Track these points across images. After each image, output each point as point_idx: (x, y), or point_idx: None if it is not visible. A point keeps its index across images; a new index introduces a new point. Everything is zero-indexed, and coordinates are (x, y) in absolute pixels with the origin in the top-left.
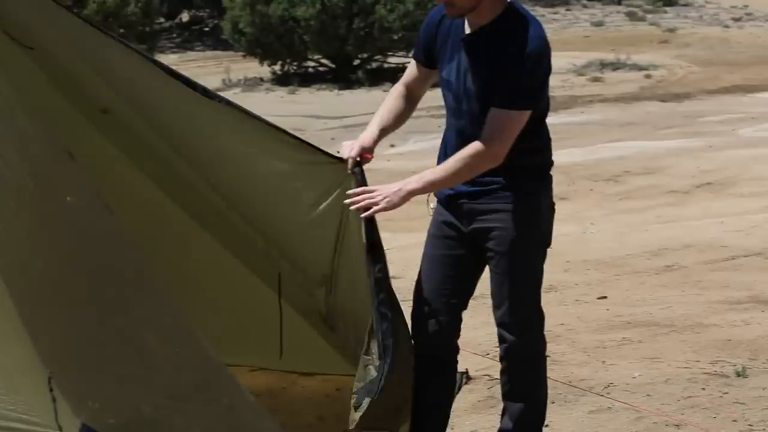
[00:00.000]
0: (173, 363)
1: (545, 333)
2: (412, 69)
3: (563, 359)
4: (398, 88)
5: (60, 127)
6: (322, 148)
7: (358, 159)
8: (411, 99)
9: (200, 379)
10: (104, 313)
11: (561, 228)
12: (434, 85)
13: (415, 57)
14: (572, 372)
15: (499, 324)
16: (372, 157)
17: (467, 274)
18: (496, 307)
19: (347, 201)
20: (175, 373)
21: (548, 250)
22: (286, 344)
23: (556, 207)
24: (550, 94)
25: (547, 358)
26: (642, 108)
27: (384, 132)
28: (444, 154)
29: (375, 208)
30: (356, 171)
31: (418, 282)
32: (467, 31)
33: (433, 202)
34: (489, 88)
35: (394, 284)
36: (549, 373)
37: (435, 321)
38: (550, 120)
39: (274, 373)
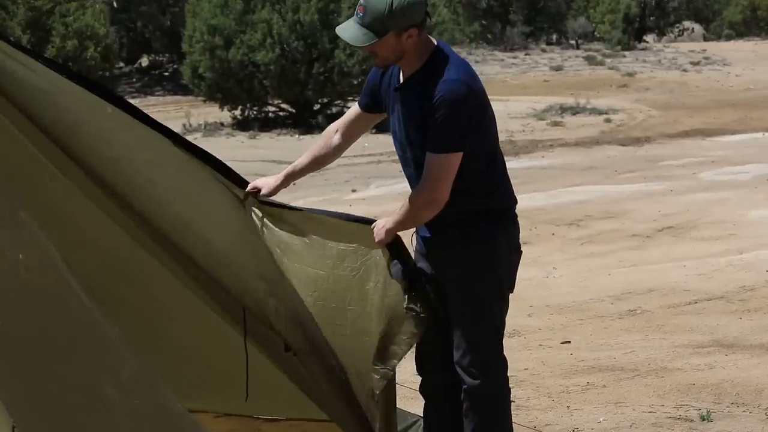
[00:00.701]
0: (134, 415)
1: (510, 376)
2: (353, 111)
3: (528, 404)
4: (330, 130)
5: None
6: (283, 193)
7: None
8: (344, 141)
9: (163, 430)
10: (61, 367)
11: (524, 272)
12: (385, 130)
13: (359, 103)
14: (537, 417)
15: (458, 365)
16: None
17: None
18: (455, 348)
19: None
20: (136, 425)
21: (512, 294)
22: (252, 386)
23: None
24: (511, 138)
25: (513, 403)
26: (602, 152)
27: (298, 174)
28: None
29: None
30: (247, 202)
31: None
32: (401, 80)
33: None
34: (423, 134)
35: None
36: (514, 418)
37: (431, 348)
38: (511, 164)
39: (239, 420)
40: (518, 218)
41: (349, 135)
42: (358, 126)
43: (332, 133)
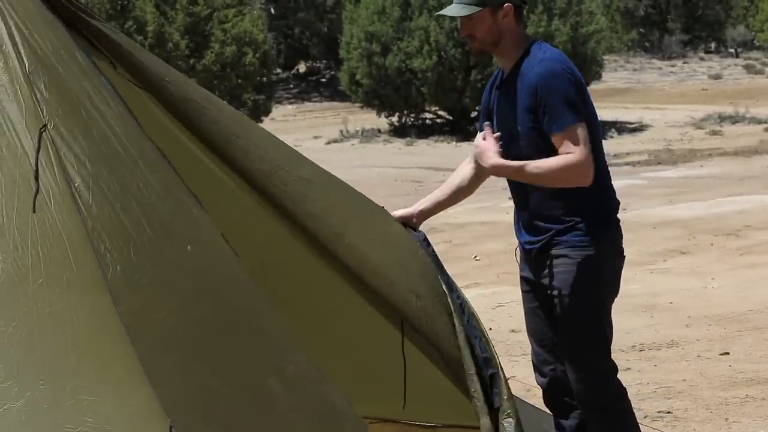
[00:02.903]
0: (298, 408)
1: (667, 387)
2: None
3: (686, 416)
4: (464, 166)
5: (182, 171)
6: None
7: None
8: (478, 173)
9: (327, 426)
10: (225, 361)
11: (682, 283)
12: None
13: (478, 128)
14: (695, 429)
15: (568, 373)
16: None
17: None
18: (564, 356)
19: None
20: (299, 419)
21: (670, 304)
22: (409, 393)
23: (672, 259)
24: (669, 147)
25: (670, 414)
26: (762, 161)
27: (434, 210)
28: (516, 222)
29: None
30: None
31: (528, 336)
32: (503, 81)
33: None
34: (527, 123)
35: (515, 337)
36: (671, 430)
37: (550, 370)
38: (669, 173)
39: (396, 426)
40: (676, 227)
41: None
42: None
43: (465, 164)
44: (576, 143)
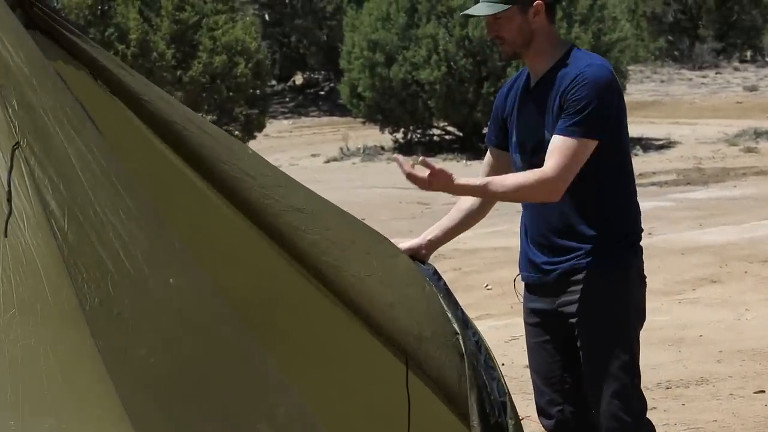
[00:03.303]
0: None
1: (697, 429)
2: (487, 159)
3: None
4: None
5: (167, 194)
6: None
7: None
8: None
9: None
10: (212, 403)
11: (713, 314)
12: None
13: (488, 141)
14: None
15: (593, 406)
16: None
17: (570, 354)
18: (588, 387)
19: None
20: None
21: (701, 338)
22: (414, 428)
23: (702, 288)
24: (699, 165)
25: None
26: None
27: (444, 238)
28: (525, 233)
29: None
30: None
31: (531, 374)
32: (532, 84)
33: (520, 291)
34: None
35: (529, 374)
36: None
37: (557, 411)
38: (699, 195)
39: None
40: (707, 253)
41: None
42: (498, 170)
43: None
44: (564, 158)
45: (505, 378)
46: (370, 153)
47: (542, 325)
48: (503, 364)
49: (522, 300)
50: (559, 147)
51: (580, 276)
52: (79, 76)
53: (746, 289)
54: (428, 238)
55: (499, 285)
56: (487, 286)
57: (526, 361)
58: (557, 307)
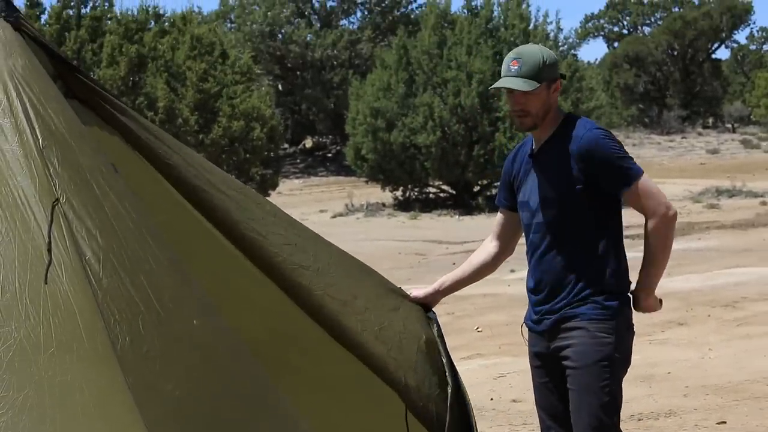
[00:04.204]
0: None
1: None
2: (499, 218)
3: None
4: (486, 243)
5: (190, 245)
6: (442, 272)
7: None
8: (502, 249)
9: None
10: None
11: (680, 353)
12: None
13: (498, 203)
14: None
15: None
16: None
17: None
18: (573, 422)
19: None
20: None
21: (669, 374)
22: None
23: (670, 330)
24: None
25: None
26: (758, 235)
27: (455, 287)
28: (532, 278)
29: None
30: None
31: (537, 409)
32: (534, 148)
33: (525, 336)
34: (568, 192)
35: (516, 407)
36: None
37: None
38: None
39: None
40: (674, 299)
41: (505, 241)
42: (509, 229)
43: (487, 244)
44: (651, 194)
45: (494, 411)
46: (373, 209)
47: (543, 367)
48: (492, 399)
49: (527, 343)
50: (642, 193)
51: (571, 324)
52: (112, 141)
53: (709, 331)
54: (443, 285)
55: (489, 328)
56: (477, 328)
57: (513, 396)
58: (552, 351)
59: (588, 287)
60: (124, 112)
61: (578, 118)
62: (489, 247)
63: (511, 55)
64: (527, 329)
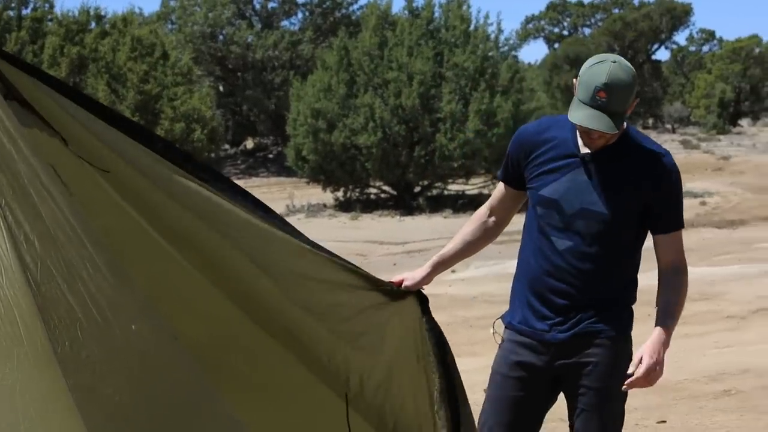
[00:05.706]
0: None
1: None
2: (499, 192)
3: None
4: (480, 213)
5: (130, 248)
6: (383, 273)
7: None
8: (496, 223)
9: None
10: None
11: None
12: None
13: (502, 179)
14: None
15: None
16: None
17: (539, 413)
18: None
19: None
20: None
21: None
22: None
23: None
24: None
25: None
26: (698, 234)
27: (449, 262)
28: (530, 286)
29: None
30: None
31: (482, 426)
32: (582, 149)
33: (499, 333)
34: (619, 209)
35: None
36: None
37: None
38: None
39: None
40: None
41: (502, 214)
42: (509, 202)
43: (483, 216)
44: (681, 247)
45: None
46: (314, 210)
47: (527, 381)
48: None
49: (499, 342)
50: (677, 244)
51: (596, 340)
52: (52, 143)
53: (649, 330)
54: (437, 263)
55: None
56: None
57: None
58: (558, 366)
59: (614, 306)
60: (68, 109)
61: (636, 130)
62: (485, 219)
63: (597, 80)
64: (515, 332)
